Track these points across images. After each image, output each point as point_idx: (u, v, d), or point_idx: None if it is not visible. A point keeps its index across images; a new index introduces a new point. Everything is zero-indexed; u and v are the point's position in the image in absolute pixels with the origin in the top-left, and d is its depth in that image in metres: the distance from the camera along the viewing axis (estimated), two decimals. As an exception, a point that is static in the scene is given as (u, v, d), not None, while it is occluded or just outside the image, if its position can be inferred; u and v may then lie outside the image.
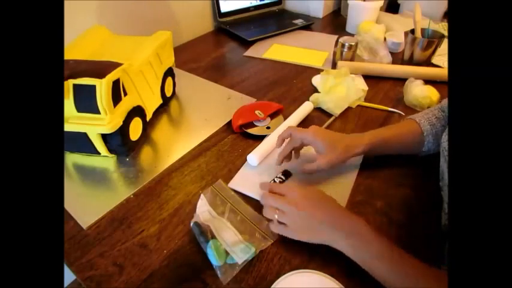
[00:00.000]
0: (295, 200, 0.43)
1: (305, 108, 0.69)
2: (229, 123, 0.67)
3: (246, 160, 0.58)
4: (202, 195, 0.51)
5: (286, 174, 0.56)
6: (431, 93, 0.72)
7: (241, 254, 0.43)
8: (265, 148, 0.59)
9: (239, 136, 0.65)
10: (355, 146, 0.52)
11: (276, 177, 0.55)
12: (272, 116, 0.69)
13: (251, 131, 0.65)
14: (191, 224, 0.46)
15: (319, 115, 0.71)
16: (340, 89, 0.72)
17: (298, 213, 0.42)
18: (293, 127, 0.55)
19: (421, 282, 0.36)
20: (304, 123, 0.69)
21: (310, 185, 0.50)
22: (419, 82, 0.73)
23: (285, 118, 0.68)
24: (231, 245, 0.44)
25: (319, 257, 0.44)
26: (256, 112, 0.67)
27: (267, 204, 0.46)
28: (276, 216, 0.44)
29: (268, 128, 0.66)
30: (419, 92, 0.72)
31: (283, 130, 0.55)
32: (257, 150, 0.58)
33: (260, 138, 0.64)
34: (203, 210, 0.49)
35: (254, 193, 0.52)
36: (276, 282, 0.40)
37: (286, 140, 0.55)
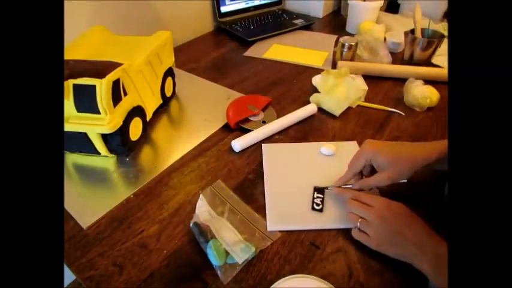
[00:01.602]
0: (383, 213, 0.42)
1: (307, 109, 0.70)
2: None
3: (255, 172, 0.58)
4: (201, 195, 0.51)
5: (320, 191, 0.52)
6: (431, 94, 0.72)
7: (241, 253, 0.43)
8: (250, 138, 0.62)
9: (239, 136, 0.65)
10: (424, 157, 0.45)
11: (315, 197, 0.51)
12: (263, 109, 0.71)
13: (248, 126, 0.66)
14: (191, 224, 0.46)
15: (319, 115, 0.71)
16: (340, 89, 0.72)
17: (385, 226, 0.42)
18: (350, 164, 0.50)
19: None
20: (304, 123, 0.69)
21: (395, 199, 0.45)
22: (419, 82, 0.73)
23: (277, 112, 0.71)
24: (231, 245, 0.44)
25: (319, 257, 0.44)
26: (250, 107, 0.68)
27: (351, 211, 0.46)
28: (358, 225, 0.44)
29: (263, 122, 0.67)
30: (419, 92, 0.72)
31: (342, 177, 0.51)
32: (242, 138, 0.61)
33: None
34: (203, 210, 0.49)
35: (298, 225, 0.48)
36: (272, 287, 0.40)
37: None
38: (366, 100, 0.75)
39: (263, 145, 0.62)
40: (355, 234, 0.45)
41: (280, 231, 0.47)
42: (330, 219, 0.49)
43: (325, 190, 0.53)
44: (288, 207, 0.51)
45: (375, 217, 0.43)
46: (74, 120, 0.53)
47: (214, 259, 0.42)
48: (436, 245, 0.39)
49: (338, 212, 0.50)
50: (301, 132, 0.67)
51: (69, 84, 0.51)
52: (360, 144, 0.63)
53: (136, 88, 0.59)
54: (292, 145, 0.63)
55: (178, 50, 0.91)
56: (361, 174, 0.51)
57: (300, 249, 0.45)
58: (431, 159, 0.45)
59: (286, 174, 0.56)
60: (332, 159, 0.59)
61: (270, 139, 0.64)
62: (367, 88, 0.79)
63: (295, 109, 0.69)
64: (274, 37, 1.07)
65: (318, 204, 0.50)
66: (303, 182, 0.54)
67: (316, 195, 0.52)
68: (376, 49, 0.89)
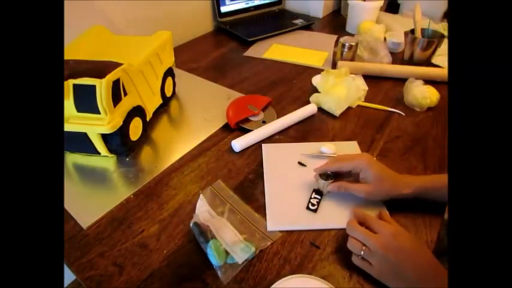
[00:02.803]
0: (388, 244, 0.40)
1: (307, 109, 0.70)
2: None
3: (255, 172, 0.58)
4: (201, 195, 0.51)
5: (319, 192, 0.53)
6: (431, 94, 0.72)
7: (241, 253, 0.43)
8: (250, 138, 0.62)
9: (239, 136, 0.65)
10: (403, 188, 0.48)
11: (312, 198, 0.52)
12: (263, 109, 0.71)
13: (248, 126, 0.66)
14: (191, 224, 0.46)
15: (319, 115, 0.71)
16: (340, 89, 0.72)
17: (386, 259, 0.39)
18: (342, 158, 0.51)
19: None
20: (304, 123, 0.69)
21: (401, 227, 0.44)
22: (419, 82, 0.73)
23: (277, 112, 0.70)
24: (231, 245, 0.44)
25: (319, 257, 0.44)
26: (250, 107, 0.68)
27: (354, 236, 0.43)
28: (362, 253, 0.41)
29: (263, 122, 0.67)
30: (419, 92, 0.72)
31: (328, 162, 0.51)
32: (242, 138, 0.62)
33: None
34: (203, 210, 0.49)
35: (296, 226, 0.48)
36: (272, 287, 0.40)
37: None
38: (366, 100, 0.75)
39: (263, 145, 0.62)
40: (355, 261, 0.42)
41: (280, 231, 0.47)
42: (324, 220, 0.49)
43: (323, 193, 0.52)
44: (287, 207, 0.51)
45: (380, 247, 0.39)
46: (74, 120, 0.53)
47: (214, 259, 0.42)
48: (440, 282, 0.37)
49: (333, 214, 0.50)
50: (301, 132, 0.67)
51: (69, 84, 0.51)
52: (359, 144, 0.63)
53: (136, 88, 0.59)
54: (292, 145, 0.63)
55: (178, 50, 0.91)
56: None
57: (300, 249, 0.45)
58: (406, 192, 0.48)
59: (286, 174, 0.56)
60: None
61: (270, 139, 0.64)
62: (367, 88, 0.79)
63: (295, 109, 0.69)
64: (274, 37, 1.07)
65: (313, 205, 0.51)
66: (303, 182, 0.54)
67: (313, 195, 0.52)
68: (376, 49, 0.89)
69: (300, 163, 0.58)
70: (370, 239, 0.40)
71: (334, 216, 0.49)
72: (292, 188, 0.54)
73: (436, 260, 0.39)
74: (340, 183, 0.50)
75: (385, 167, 0.50)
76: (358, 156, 0.51)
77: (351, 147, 0.62)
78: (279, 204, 0.51)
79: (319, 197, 0.52)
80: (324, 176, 0.52)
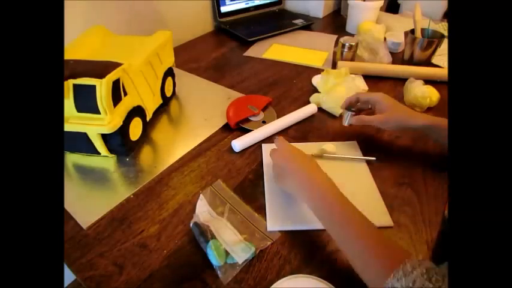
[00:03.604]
0: (276, 152, 0.50)
1: (307, 109, 0.70)
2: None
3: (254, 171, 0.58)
4: (201, 195, 0.51)
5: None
6: (431, 94, 0.72)
7: (241, 253, 0.43)
8: (250, 138, 0.63)
9: (239, 136, 0.65)
10: (413, 119, 0.55)
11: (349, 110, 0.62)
12: (263, 109, 0.71)
13: (248, 126, 0.66)
14: (191, 225, 0.46)
15: (319, 115, 0.71)
16: (340, 89, 0.72)
17: (275, 163, 0.50)
18: (360, 92, 0.62)
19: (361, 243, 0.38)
20: (304, 123, 0.69)
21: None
22: (419, 82, 0.73)
23: (277, 112, 0.71)
24: (231, 245, 0.44)
25: (319, 257, 0.44)
26: (250, 107, 0.68)
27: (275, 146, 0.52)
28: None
29: (264, 122, 0.67)
30: (419, 92, 0.72)
31: (351, 95, 0.61)
32: (242, 138, 0.62)
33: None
34: (203, 210, 0.49)
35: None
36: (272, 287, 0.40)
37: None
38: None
39: (263, 145, 0.62)
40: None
41: (280, 231, 0.47)
42: None
43: (346, 124, 0.63)
44: (287, 207, 0.51)
45: (273, 156, 0.50)
46: (74, 120, 0.53)
47: (215, 259, 0.42)
48: (317, 181, 0.44)
49: None
50: (301, 132, 0.67)
51: (69, 84, 0.51)
52: (360, 144, 0.63)
53: (136, 88, 0.59)
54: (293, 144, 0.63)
55: (178, 50, 0.91)
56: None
57: (300, 249, 0.45)
58: (417, 124, 0.55)
59: None
60: (332, 159, 0.59)
61: (270, 139, 0.64)
62: (367, 88, 0.79)
63: (295, 109, 0.69)
64: (274, 37, 1.07)
65: None
66: None
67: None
68: (376, 49, 0.89)
69: None
70: (272, 152, 0.51)
71: None
72: None
73: (314, 164, 0.47)
74: (359, 117, 0.60)
75: (400, 103, 0.58)
76: (375, 93, 0.60)
77: (351, 147, 0.62)
78: (279, 204, 0.51)
79: None
80: (349, 108, 0.61)
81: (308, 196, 0.44)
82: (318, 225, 0.48)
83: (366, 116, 0.60)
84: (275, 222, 0.48)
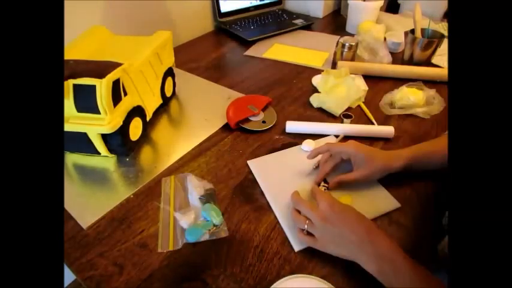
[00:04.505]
0: (325, 214, 0.42)
1: (384, 130, 0.65)
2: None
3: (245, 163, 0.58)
4: (189, 176, 0.54)
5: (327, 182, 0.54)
6: (411, 94, 0.72)
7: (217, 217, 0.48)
8: (304, 126, 0.65)
9: (239, 136, 0.65)
10: (394, 162, 0.51)
11: (321, 185, 0.54)
12: (263, 109, 0.70)
13: (248, 126, 0.66)
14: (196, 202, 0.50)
15: (319, 115, 0.71)
16: (340, 89, 0.72)
17: (326, 227, 0.41)
18: (331, 143, 0.55)
19: None
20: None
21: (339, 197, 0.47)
22: (402, 87, 0.75)
23: (277, 112, 0.70)
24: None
25: (319, 257, 0.44)
26: (250, 107, 0.68)
27: (297, 208, 0.45)
28: (306, 227, 0.43)
29: (264, 122, 0.67)
30: (403, 94, 0.72)
31: (321, 145, 0.55)
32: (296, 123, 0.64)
33: (257, 133, 0.66)
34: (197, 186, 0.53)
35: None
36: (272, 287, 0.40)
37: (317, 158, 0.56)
38: (366, 100, 0.75)
39: (248, 162, 0.59)
40: (301, 238, 0.44)
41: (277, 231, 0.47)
42: None
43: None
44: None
45: (319, 219, 0.42)
46: (74, 120, 0.53)
47: (215, 219, 0.47)
48: (379, 244, 0.39)
49: None
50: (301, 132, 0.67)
51: (69, 84, 0.51)
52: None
53: (136, 88, 0.59)
54: (275, 154, 0.61)
55: (178, 50, 0.91)
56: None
57: (299, 250, 0.45)
58: (397, 166, 0.51)
59: (284, 185, 0.53)
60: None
61: (270, 139, 0.64)
62: (367, 88, 0.79)
63: (295, 109, 0.69)
64: (274, 37, 1.07)
65: None
66: (303, 184, 0.54)
67: (323, 183, 0.54)
68: (376, 49, 0.89)
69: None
70: (311, 211, 0.43)
71: None
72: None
73: (374, 225, 0.41)
74: (338, 178, 0.52)
75: (372, 147, 0.54)
76: (346, 144, 0.53)
77: (330, 140, 0.63)
78: (291, 220, 0.47)
79: (327, 185, 0.53)
80: (323, 182, 0.54)
81: (380, 270, 0.39)
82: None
83: (345, 175, 0.52)
84: (299, 240, 0.45)
